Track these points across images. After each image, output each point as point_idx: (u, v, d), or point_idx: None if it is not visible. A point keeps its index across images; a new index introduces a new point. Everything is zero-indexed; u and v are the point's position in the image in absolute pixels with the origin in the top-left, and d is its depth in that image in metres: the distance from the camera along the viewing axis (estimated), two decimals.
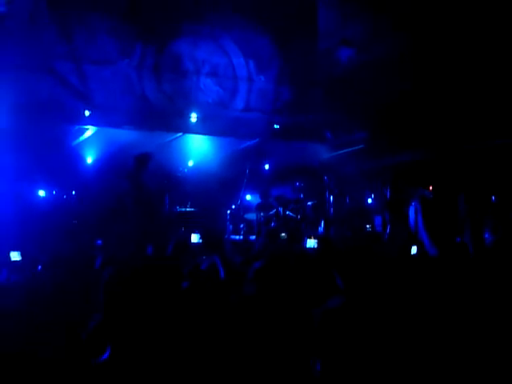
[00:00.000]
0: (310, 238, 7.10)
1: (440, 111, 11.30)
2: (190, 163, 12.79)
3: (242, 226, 11.34)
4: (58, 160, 10.57)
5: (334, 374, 2.80)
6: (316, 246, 6.90)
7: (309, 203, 11.90)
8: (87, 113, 10.24)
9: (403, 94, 11.22)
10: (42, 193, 10.65)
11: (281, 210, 11.36)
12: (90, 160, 11.97)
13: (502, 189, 10.60)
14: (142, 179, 9.33)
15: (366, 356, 2.84)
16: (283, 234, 10.29)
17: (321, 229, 11.65)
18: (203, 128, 11.54)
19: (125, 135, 11.08)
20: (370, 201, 12.57)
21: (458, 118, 11.04)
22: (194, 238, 7.02)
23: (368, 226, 11.57)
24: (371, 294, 3.26)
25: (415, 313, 3.17)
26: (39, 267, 5.19)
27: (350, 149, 13.55)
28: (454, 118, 11.08)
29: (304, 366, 2.87)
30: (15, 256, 5.07)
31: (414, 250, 5.43)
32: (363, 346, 2.87)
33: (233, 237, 11.02)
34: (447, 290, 3.61)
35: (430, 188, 10.14)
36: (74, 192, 11.07)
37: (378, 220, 11.82)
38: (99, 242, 8.77)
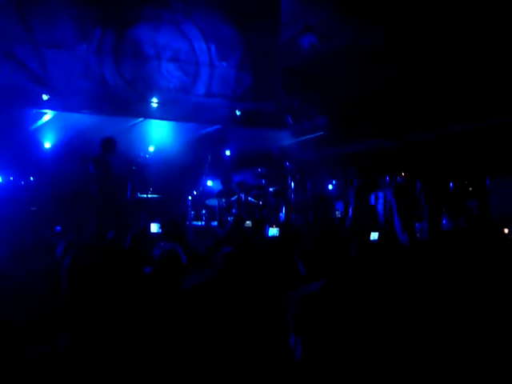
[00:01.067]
0: (272, 226, 7.15)
1: (401, 101, 11.48)
2: (151, 149, 12.68)
3: (203, 212, 11.32)
4: (15, 145, 10.36)
5: (313, 358, 2.85)
6: (277, 234, 6.96)
7: (270, 189, 11.95)
8: (45, 97, 10.04)
9: (368, 85, 11.34)
10: None
11: (242, 196, 11.38)
12: (48, 145, 11.76)
13: (459, 177, 10.88)
14: (108, 163, 9.21)
15: (344, 340, 2.89)
16: (248, 222, 10.32)
17: (282, 215, 11.73)
18: (164, 113, 11.44)
19: (84, 120, 10.91)
20: (330, 187, 12.71)
21: (419, 106, 11.26)
22: (154, 227, 6.95)
23: (337, 212, 11.68)
24: (337, 279, 3.31)
25: (381, 296, 3.24)
26: None
27: (311, 135, 13.66)
28: (415, 108, 11.29)
29: (284, 350, 2.91)
30: None
31: (375, 235, 5.52)
32: (340, 329, 2.92)
33: (194, 223, 11.00)
34: (410, 274, 3.70)
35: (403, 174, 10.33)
36: (32, 178, 10.85)
37: (339, 206, 11.98)
38: (58, 228, 8.64)
